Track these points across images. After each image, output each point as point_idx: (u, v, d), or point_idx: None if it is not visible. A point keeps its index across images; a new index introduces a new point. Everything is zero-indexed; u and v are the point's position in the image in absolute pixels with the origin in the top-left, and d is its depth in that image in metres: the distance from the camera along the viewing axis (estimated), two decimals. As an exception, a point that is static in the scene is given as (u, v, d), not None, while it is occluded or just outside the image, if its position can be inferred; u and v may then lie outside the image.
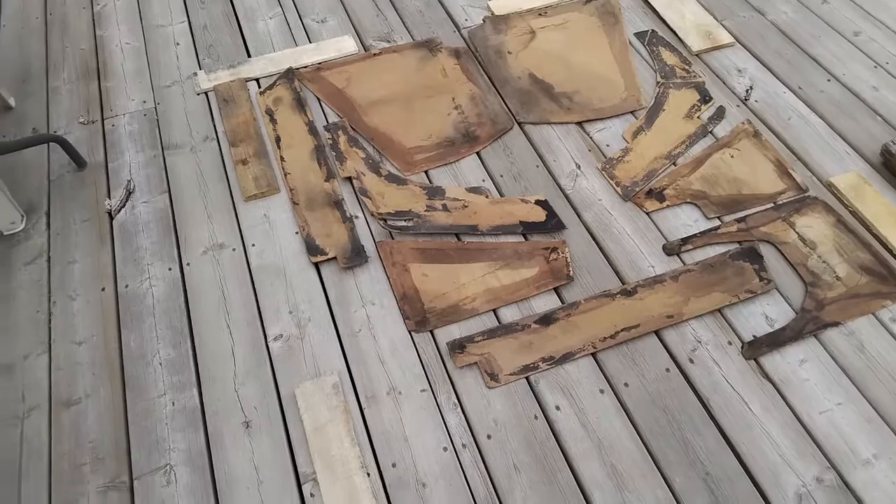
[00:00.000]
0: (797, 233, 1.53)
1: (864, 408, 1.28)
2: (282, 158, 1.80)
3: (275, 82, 2.00)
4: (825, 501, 1.17)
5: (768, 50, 1.97)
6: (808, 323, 1.38)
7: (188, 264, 1.57)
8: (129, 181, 1.76)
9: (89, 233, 1.65)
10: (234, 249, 1.60)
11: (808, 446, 1.23)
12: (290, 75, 2.01)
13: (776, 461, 1.22)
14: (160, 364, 1.39)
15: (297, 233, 1.63)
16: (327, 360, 1.39)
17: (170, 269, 1.56)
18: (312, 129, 1.86)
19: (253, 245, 1.61)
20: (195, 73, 2.05)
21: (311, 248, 1.59)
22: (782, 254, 1.50)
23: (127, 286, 1.53)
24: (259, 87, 2.01)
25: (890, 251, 1.49)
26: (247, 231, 1.64)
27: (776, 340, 1.36)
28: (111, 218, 1.68)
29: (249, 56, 2.11)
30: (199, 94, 1.99)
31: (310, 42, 2.14)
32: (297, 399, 1.32)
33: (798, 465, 1.21)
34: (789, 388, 1.31)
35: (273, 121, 1.90)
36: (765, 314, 1.41)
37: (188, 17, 2.26)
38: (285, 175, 1.76)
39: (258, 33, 2.18)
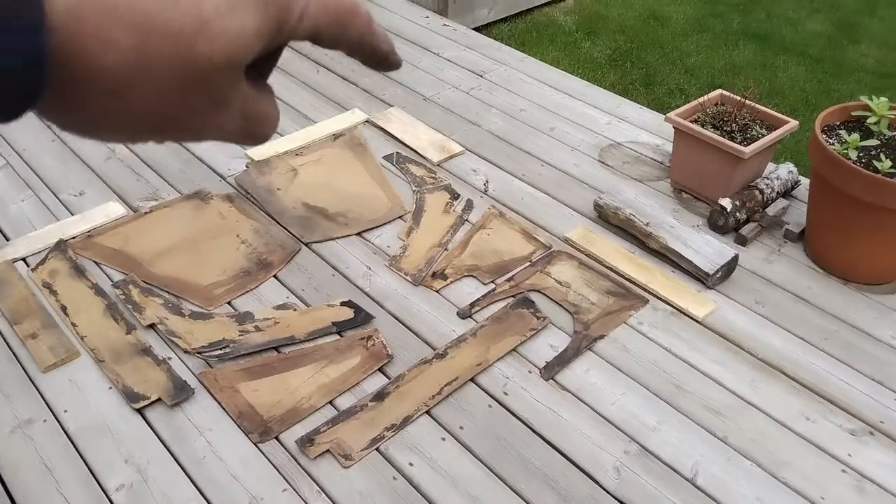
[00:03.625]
0: (553, 278, 1.96)
1: (641, 391, 1.67)
2: (73, 324, 1.84)
3: (46, 257, 2.05)
4: (635, 465, 1.51)
5: (491, 151, 2.51)
6: (582, 341, 1.78)
7: (-6, 448, 1.53)
8: None
9: None
10: (45, 420, 1.60)
11: (611, 430, 1.58)
12: (61, 247, 2.07)
13: (592, 449, 1.54)
14: (-11, 552, 1.33)
15: (110, 388, 1.67)
16: (178, 493, 1.45)
17: (-27, 458, 1.51)
18: (99, 291, 1.94)
19: (66, 411, 1.62)
20: (-52, 266, 2.01)
21: (132, 396, 1.64)
22: (547, 296, 1.91)
23: (-76, 488, 1.45)
24: (28, 265, 2.04)
25: (622, 276, 1.98)
26: (54, 400, 1.64)
27: (563, 360, 1.73)
28: None
29: (8, 239, 2.13)
30: (-43, 286, 1.96)
31: (72, 215, 2.23)
32: (160, 533, 1.35)
33: (608, 446, 1.54)
34: (584, 392, 1.66)
35: (53, 292, 1.94)
36: (549, 344, 1.78)
37: (-79, 215, 2.22)
38: (82, 339, 1.80)
39: (12, 217, 2.21)
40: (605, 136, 2.59)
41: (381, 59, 0.34)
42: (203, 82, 0.27)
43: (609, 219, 2.14)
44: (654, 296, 1.92)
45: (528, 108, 2.75)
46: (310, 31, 0.29)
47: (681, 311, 1.88)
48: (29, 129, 2.59)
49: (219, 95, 0.28)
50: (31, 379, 1.70)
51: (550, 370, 1.71)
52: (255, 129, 0.31)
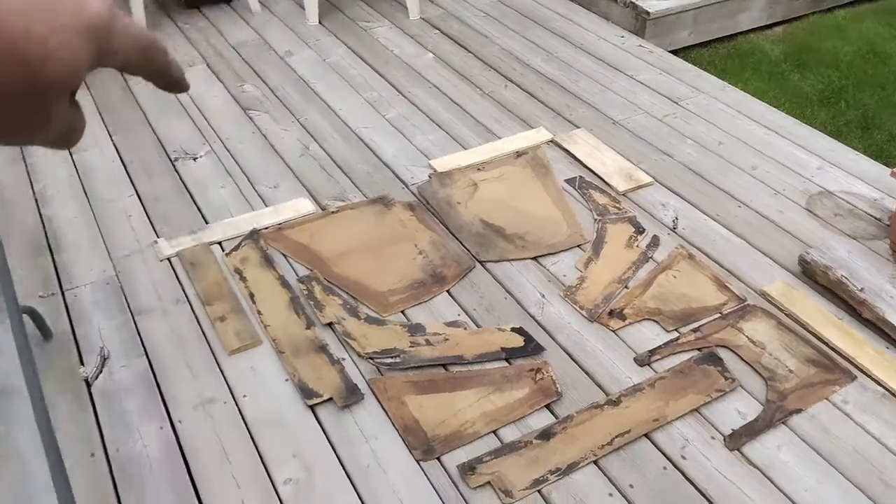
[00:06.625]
0: (746, 336, 1.80)
1: (841, 481, 1.49)
2: (259, 312, 1.93)
3: (240, 244, 2.17)
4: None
5: (683, 185, 2.36)
6: (776, 412, 1.61)
7: (180, 421, 1.63)
8: (101, 347, 1.83)
9: (68, 402, 1.68)
10: (225, 402, 1.68)
11: (804, 520, 1.41)
12: (254, 236, 2.19)
13: (779, 538, 1.39)
14: (167, 524, 1.41)
15: (287, 380, 1.73)
16: (341, 499, 1.46)
17: (161, 428, 1.61)
18: (285, 283, 2.02)
19: (244, 396, 1.69)
20: (155, 242, 2.18)
21: (306, 392, 1.69)
22: (738, 355, 1.76)
23: (118, 449, 1.56)
24: (223, 249, 2.16)
25: (827, 344, 1.78)
26: (235, 384, 1.73)
27: (752, 430, 1.58)
28: (89, 386, 1.72)
29: (207, 223, 2.28)
30: (162, 261, 2.12)
31: (266, 206, 2.35)
32: (320, 538, 1.37)
33: (799, 539, 1.38)
34: (773, 471, 1.51)
35: (243, 279, 2.04)
36: (736, 409, 1.63)
37: (136, 190, 2.42)
38: (265, 327, 1.88)
39: (212, 202, 2.37)
40: (815, 182, 2.36)
41: (173, 83, 0.41)
42: (44, 100, 0.33)
43: (816, 277, 1.94)
44: (864, 373, 1.71)
45: (727, 141, 2.57)
46: (121, 62, 0.36)
47: (895, 396, 1.66)
48: (230, 119, 2.77)
49: (53, 109, 0.34)
50: (216, 360, 1.79)
51: (737, 440, 1.56)
52: (71, 136, 0.37)
